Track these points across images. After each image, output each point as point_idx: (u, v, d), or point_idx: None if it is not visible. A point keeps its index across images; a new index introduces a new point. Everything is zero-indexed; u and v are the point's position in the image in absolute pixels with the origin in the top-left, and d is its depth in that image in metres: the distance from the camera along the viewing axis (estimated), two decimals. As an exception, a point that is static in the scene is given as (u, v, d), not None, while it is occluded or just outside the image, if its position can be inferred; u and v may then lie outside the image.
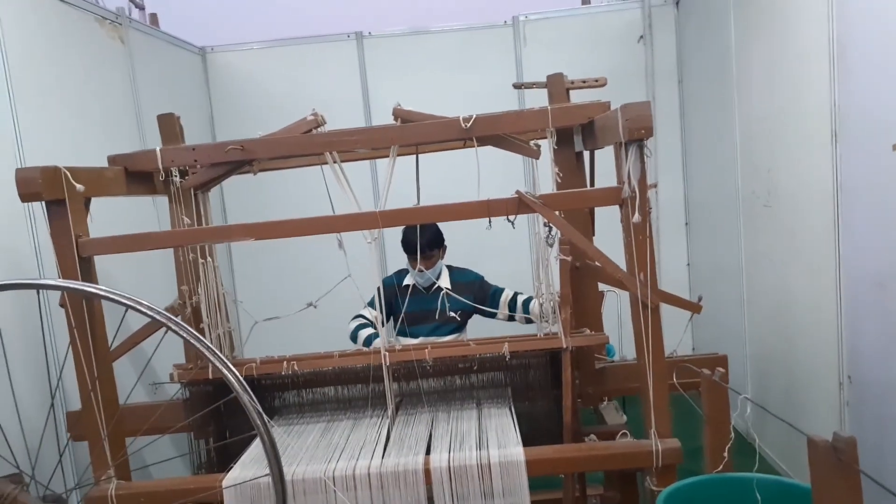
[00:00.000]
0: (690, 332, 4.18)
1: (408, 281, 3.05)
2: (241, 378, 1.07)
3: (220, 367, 1.09)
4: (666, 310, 1.91)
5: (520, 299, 3.03)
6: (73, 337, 1.80)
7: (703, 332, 4.05)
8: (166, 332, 1.99)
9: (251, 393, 1.08)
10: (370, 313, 3.05)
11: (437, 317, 2.91)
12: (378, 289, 2.92)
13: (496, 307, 3.04)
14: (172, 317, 1.14)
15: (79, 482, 1.60)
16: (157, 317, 1.09)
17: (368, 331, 2.98)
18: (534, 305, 2.91)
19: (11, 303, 2.13)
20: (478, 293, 3.00)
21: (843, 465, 1.00)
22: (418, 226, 2.84)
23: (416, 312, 2.91)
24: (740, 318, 3.43)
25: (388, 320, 3.08)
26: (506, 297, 3.05)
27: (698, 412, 1.91)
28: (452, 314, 2.94)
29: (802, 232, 2.72)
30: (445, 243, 3.12)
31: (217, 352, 1.11)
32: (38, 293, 1.56)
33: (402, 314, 2.78)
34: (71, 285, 1.29)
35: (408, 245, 2.99)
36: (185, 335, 1.10)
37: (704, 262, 4.14)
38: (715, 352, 2.53)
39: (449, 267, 3.16)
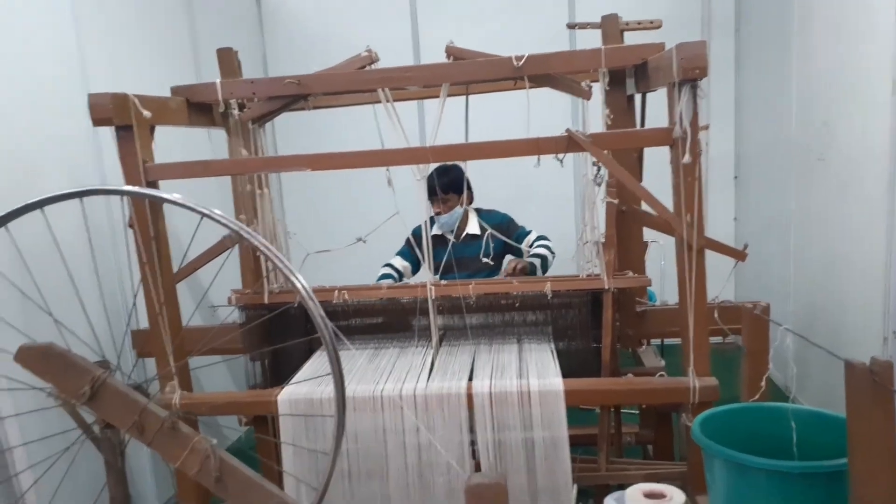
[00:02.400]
0: (733, 286, 4.17)
1: (435, 231, 3.02)
2: (307, 287, 1.15)
3: (289, 274, 1.16)
4: (709, 261, 1.92)
5: (536, 243, 3.00)
6: (140, 255, 1.91)
7: (747, 286, 4.04)
8: (227, 257, 2.11)
9: (316, 300, 1.16)
10: (399, 262, 3.09)
11: (470, 264, 2.91)
12: (408, 239, 2.96)
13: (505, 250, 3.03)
14: (244, 226, 1.21)
15: (153, 377, 1.73)
16: (231, 225, 1.17)
17: (387, 282, 2.98)
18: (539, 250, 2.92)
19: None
20: (505, 234, 2.99)
21: (879, 387, 1.03)
22: (435, 172, 2.83)
23: (447, 263, 2.90)
24: (786, 274, 3.41)
25: (417, 270, 3.11)
26: (528, 241, 3.02)
27: (736, 367, 1.93)
28: (486, 260, 2.95)
29: (856, 187, 2.67)
30: (471, 191, 3.04)
31: (286, 261, 1.18)
32: (122, 211, 1.66)
33: (442, 263, 2.73)
34: (151, 192, 1.38)
35: (428, 187, 2.89)
36: (257, 243, 1.18)
37: (752, 216, 4.09)
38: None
39: (477, 210, 3.13)
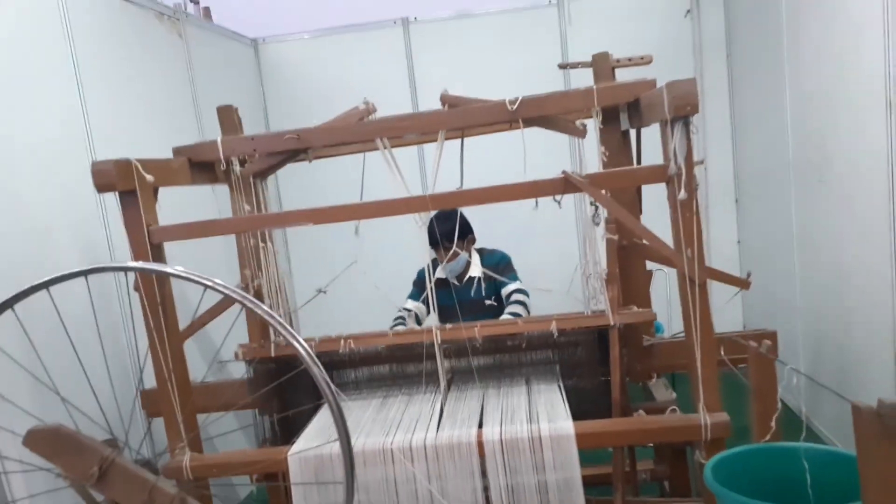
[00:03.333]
0: (741, 308, 4.15)
1: (438, 274, 3.01)
2: (310, 351, 1.16)
3: (291, 339, 1.17)
4: (715, 287, 1.92)
5: (511, 297, 2.97)
6: (147, 319, 1.93)
7: (754, 308, 4.02)
8: (238, 314, 2.12)
9: (320, 365, 1.16)
10: (412, 304, 3.10)
11: (471, 307, 2.89)
12: (415, 281, 2.95)
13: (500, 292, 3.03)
14: (246, 294, 1.23)
15: (163, 451, 1.73)
16: (234, 295, 1.18)
17: (399, 328, 2.98)
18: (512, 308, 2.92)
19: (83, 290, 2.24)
20: (500, 273, 2.99)
21: (889, 430, 1.02)
22: (435, 219, 2.80)
23: (451, 307, 2.83)
24: (792, 294, 3.40)
25: (430, 311, 3.11)
26: (504, 291, 2.99)
27: (748, 390, 1.93)
28: (489, 302, 2.94)
29: (857, 204, 2.68)
30: (473, 234, 3.06)
31: (287, 326, 1.20)
32: (125, 275, 1.68)
33: (438, 308, 2.68)
34: (156, 268, 1.40)
35: (430, 237, 2.86)
36: (259, 311, 1.19)
37: (755, 238, 4.09)
38: (765, 328, 2.52)
39: (479, 251, 3.11)
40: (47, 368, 1.42)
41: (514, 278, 3.04)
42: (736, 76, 4.09)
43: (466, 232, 3.04)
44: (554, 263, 3.20)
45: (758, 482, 1.36)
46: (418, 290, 3.09)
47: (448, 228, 2.81)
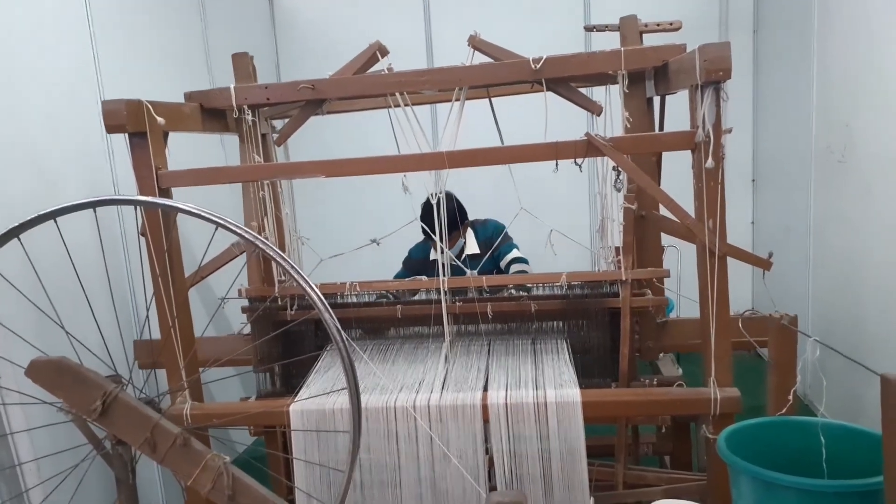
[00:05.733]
0: (750, 292, 4.11)
1: (434, 256, 2.90)
2: (321, 296, 1.12)
3: (303, 284, 1.14)
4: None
5: (512, 267, 2.91)
6: (152, 264, 1.88)
7: (764, 293, 3.96)
8: (240, 272, 2.08)
9: (331, 311, 1.13)
10: None
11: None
12: (405, 261, 2.86)
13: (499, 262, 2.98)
14: (258, 236, 1.19)
15: (164, 392, 1.70)
16: (246, 234, 1.14)
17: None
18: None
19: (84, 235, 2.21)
20: (497, 245, 2.91)
21: (919, 405, 0.99)
22: (435, 207, 2.73)
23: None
24: (805, 280, 3.35)
25: None
26: (504, 261, 2.93)
27: (760, 375, 1.88)
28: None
29: (880, 190, 2.61)
30: (463, 212, 3.00)
31: (299, 270, 1.16)
32: (136, 209, 1.64)
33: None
34: (165, 202, 1.36)
35: (427, 225, 2.65)
36: (271, 253, 1.15)
37: (770, 220, 4.03)
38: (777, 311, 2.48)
39: (472, 223, 3.03)
40: (51, 304, 1.39)
41: (512, 247, 2.97)
42: (761, 53, 3.99)
43: (463, 216, 2.97)
44: (562, 236, 3.13)
45: (770, 454, 1.33)
46: (406, 270, 3.01)
47: (447, 218, 2.73)
